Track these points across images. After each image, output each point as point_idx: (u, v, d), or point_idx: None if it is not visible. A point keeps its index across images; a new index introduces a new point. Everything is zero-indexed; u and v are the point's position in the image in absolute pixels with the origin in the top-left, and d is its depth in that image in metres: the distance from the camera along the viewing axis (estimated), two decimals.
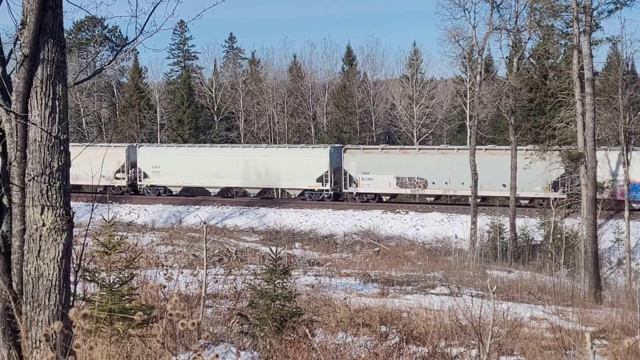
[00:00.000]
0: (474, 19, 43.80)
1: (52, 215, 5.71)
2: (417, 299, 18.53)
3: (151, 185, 52.99)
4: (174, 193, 52.76)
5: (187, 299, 12.76)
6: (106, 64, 9.43)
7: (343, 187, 48.72)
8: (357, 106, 63.81)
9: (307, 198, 48.81)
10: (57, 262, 5.71)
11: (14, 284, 5.77)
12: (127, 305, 8.56)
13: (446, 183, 45.45)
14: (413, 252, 39.27)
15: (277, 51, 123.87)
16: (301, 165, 48.50)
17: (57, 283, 5.71)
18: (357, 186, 48.07)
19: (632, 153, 39.47)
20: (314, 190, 48.85)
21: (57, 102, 5.76)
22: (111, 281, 8.67)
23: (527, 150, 42.42)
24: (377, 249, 39.64)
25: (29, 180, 5.71)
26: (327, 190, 48.49)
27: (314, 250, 38.72)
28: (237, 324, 11.38)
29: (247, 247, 37.07)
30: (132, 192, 53.56)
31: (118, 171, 53.41)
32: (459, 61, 53.72)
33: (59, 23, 5.82)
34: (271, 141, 63.93)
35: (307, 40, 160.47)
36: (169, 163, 52.03)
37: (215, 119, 69.15)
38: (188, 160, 51.68)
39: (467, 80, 56.83)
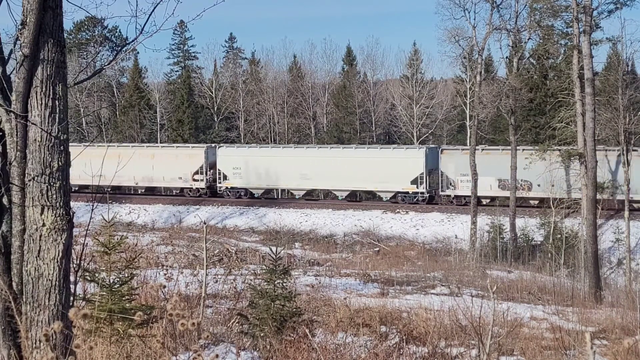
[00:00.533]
0: (474, 19, 44.02)
1: (52, 215, 5.71)
2: (417, 299, 18.52)
3: (231, 188, 50.98)
4: (255, 195, 50.90)
5: (187, 299, 12.76)
6: (106, 64, 9.41)
7: (440, 190, 46.38)
8: (357, 106, 63.77)
9: (400, 201, 46.41)
10: (57, 262, 5.71)
11: (14, 284, 5.77)
12: (127, 305, 8.56)
13: (552, 186, 41.73)
14: (413, 252, 39.27)
15: (277, 51, 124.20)
16: (394, 166, 46.14)
17: (57, 283, 5.71)
18: (455, 188, 45.71)
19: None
20: (407, 192, 46.44)
21: (57, 102, 5.75)
22: (111, 281, 8.67)
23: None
24: (377, 249, 39.63)
25: (29, 180, 5.71)
26: (422, 193, 46.16)
27: (314, 250, 38.70)
28: (237, 324, 11.38)
29: (247, 247, 37.07)
30: (210, 195, 51.84)
31: (196, 172, 51.73)
32: (459, 61, 53.80)
33: (59, 23, 5.81)
34: (271, 141, 63.86)
35: (307, 40, 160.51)
36: (250, 164, 50.01)
37: (215, 119, 69.15)
38: (271, 162, 49.66)
39: (467, 80, 56.82)
